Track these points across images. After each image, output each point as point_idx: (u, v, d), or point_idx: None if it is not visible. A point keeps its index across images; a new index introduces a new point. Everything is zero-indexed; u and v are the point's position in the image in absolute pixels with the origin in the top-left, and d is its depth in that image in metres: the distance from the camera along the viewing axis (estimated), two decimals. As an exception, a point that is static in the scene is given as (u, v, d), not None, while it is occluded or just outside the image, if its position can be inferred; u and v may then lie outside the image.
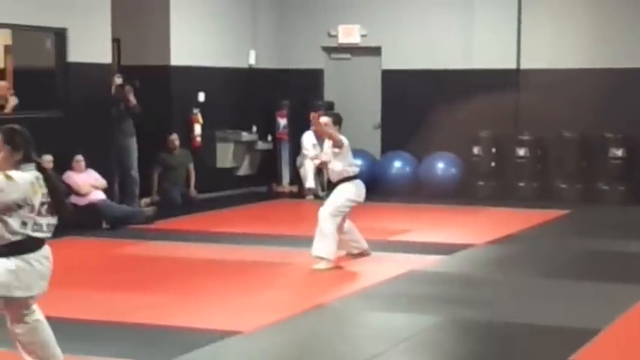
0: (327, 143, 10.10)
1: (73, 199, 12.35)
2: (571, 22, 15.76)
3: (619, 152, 15.21)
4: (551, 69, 15.70)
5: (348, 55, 17.27)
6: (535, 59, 15.82)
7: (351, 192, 9.83)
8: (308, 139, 15.94)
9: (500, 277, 9.65)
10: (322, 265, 9.55)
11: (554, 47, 15.78)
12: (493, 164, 15.88)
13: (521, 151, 15.67)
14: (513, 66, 15.98)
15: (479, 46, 16.09)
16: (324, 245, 9.60)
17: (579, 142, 15.45)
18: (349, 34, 17.03)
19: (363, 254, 10.25)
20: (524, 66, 15.95)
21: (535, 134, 15.68)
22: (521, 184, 15.70)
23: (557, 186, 15.56)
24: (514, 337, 7.31)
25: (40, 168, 5.67)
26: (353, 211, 10.09)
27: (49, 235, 5.70)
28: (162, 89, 15.03)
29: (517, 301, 8.51)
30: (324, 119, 10.03)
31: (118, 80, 13.80)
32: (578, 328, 7.41)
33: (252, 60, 16.85)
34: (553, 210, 14.15)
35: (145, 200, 14.23)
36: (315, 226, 9.71)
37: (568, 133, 15.46)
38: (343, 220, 9.90)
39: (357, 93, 17.13)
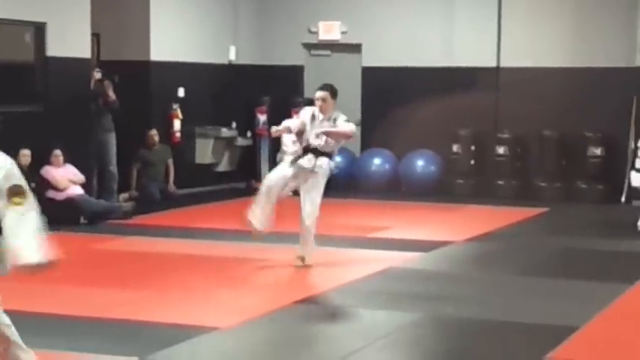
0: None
1: (51, 193, 12.30)
2: (551, 21, 15.81)
3: (598, 151, 15.27)
4: (531, 67, 15.74)
5: (328, 52, 17.26)
6: (515, 57, 15.86)
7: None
8: (288, 135, 15.91)
9: (478, 274, 9.67)
10: (302, 263, 9.50)
11: (534, 46, 15.82)
12: (472, 162, 15.91)
13: (501, 149, 15.71)
14: (493, 64, 16.01)
15: (459, 43, 16.11)
16: (309, 248, 9.53)
17: (558, 140, 15.50)
18: (329, 30, 17.02)
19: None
20: (504, 64, 15.98)
21: (515, 132, 15.72)
22: (500, 182, 15.74)
23: (536, 184, 15.60)
24: (492, 335, 7.32)
25: None
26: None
27: None
28: (141, 84, 14.99)
29: (495, 299, 8.52)
30: (320, 94, 9.54)
31: (97, 75, 13.74)
32: (556, 325, 7.42)
33: (232, 56, 16.83)
34: (532, 208, 14.19)
35: (124, 195, 14.19)
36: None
37: (547, 131, 15.51)
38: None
39: (337, 90, 17.07)
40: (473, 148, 15.91)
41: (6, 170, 5.05)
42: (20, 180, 5.11)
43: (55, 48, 12.95)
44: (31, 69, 13.02)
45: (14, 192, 5.03)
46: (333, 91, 9.58)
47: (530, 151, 15.74)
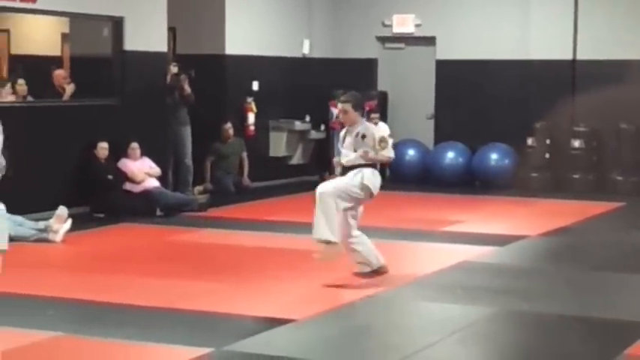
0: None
1: (128, 186, 12.47)
2: (629, 13, 15.55)
3: (676, 144, 15.01)
4: (608, 60, 15.51)
5: (402, 45, 17.20)
6: (592, 50, 15.64)
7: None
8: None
9: (553, 269, 9.58)
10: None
11: (611, 38, 15.58)
12: (547, 156, 15.73)
13: (577, 143, 15.51)
14: (569, 57, 15.82)
15: (535, 36, 15.94)
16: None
17: (636, 133, 15.25)
18: (403, 23, 16.96)
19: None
20: (580, 57, 15.77)
21: (591, 126, 15.52)
22: (575, 176, 15.55)
23: (612, 178, 15.38)
24: (568, 330, 7.25)
25: None
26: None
27: None
28: (216, 78, 15.10)
29: (571, 294, 8.44)
30: (340, 105, 8.51)
31: (174, 69, 13.88)
32: (634, 321, 7.33)
33: (306, 49, 16.86)
34: (608, 202, 13.99)
35: (198, 188, 14.31)
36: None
37: (624, 124, 15.28)
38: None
39: (411, 83, 17.07)
40: (548, 141, 15.73)
41: None
42: None
43: (133, 42, 13.10)
44: (109, 63, 13.20)
45: None
46: (355, 102, 8.49)
47: (607, 145, 15.51)
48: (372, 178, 8.30)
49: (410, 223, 12.00)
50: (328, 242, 8.19)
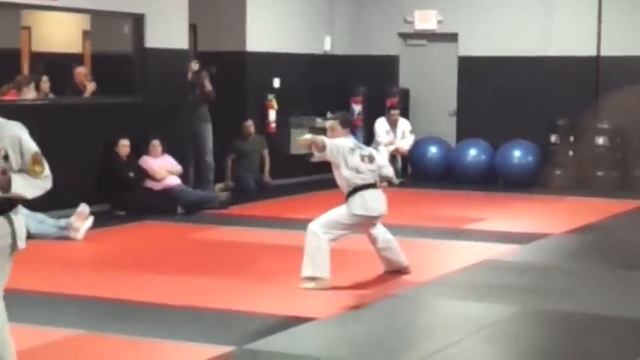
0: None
1: (149, 183, 12.46)
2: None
3: (701, 141, 14.87)
4: (632, 56, 15.39)
5: (424, 42, 17.13)
6: (615, 46, 15.52)
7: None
8: (381, 125, 15.90)
9: (577, 267, 9.49)
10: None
11: (635, 34, 15.46)
12: (571, 153, 15.62)
13: (601, 140, 15.39)
14: (593, 53, 15.69)
15: (558, 32, 15.84)
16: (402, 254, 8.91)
17: (661, 131, 15.14)
18: (425, 20, 16.88)
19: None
20: (604, 53, 15.65)
21: (615, 123, 15.40)
22: (599, 174, 15.43)
23: (637, 175, 15.26)
24: (593, 329, 7.17)
25: None
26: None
27: None
28: (237, 75, 15.07)
29: (595, 292, 8.34)
30: (329, 123, 8.89)
31: (195, 66, 13.85)
32: (660, 320, 7.25)
33: (327, 46, 16.82)
34: (632, 200, 13.87)
35: (219, 186, 14.28)
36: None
37: (649, 121, 15.18)
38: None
39: (433, 80, 16.99)
40: (572, 138, 15.62)
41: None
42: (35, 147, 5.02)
43: (153, 39, 13.09)
44: (130, 60, 13.19)
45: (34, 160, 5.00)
46: (343, 120, 8.81)
47: (631, 142, 15.38)
48: (359, 204, 8.37)
49: (432, 220, 11.93)
50: (314, 278, 8.24)
